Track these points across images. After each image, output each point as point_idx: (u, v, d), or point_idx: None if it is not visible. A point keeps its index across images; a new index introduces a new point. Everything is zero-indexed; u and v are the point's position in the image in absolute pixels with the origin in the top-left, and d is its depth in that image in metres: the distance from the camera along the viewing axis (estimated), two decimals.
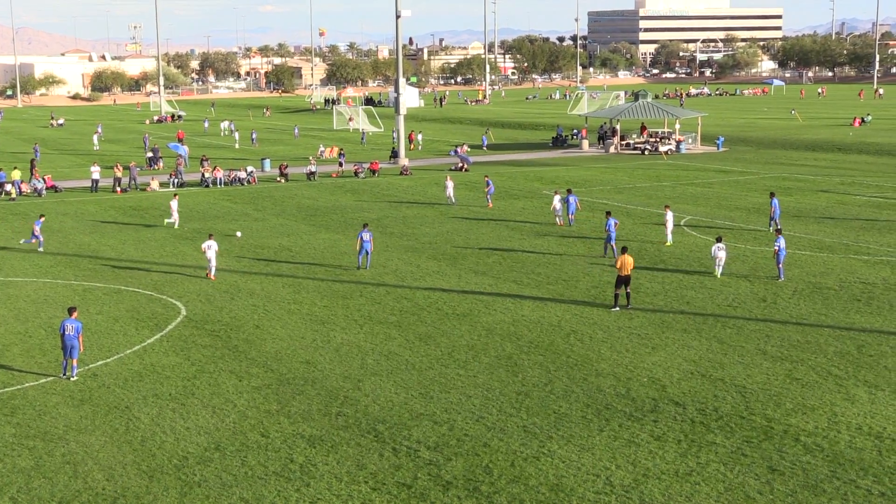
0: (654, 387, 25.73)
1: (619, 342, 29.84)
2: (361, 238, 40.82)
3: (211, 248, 39.76)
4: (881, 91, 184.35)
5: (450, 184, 59.32)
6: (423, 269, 40.93)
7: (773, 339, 29.90)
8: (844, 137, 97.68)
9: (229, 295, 36.83)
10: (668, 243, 44.70)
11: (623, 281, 33.58)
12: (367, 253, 40.94)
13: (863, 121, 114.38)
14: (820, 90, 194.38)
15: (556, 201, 51.27)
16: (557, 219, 51.16)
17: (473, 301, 35.27)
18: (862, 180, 66.94)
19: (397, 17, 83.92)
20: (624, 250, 34.25)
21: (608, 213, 42.81)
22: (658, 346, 29.42)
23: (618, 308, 33.57)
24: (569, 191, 52.11)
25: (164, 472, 20.91)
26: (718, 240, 38.49)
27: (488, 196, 57.88)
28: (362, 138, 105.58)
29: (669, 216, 45.27)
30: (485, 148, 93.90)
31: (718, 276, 38.06)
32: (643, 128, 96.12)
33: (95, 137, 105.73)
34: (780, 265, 37.66)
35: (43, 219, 48.09)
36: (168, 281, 39.34)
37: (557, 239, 46.77)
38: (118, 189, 67.64)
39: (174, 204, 52.72)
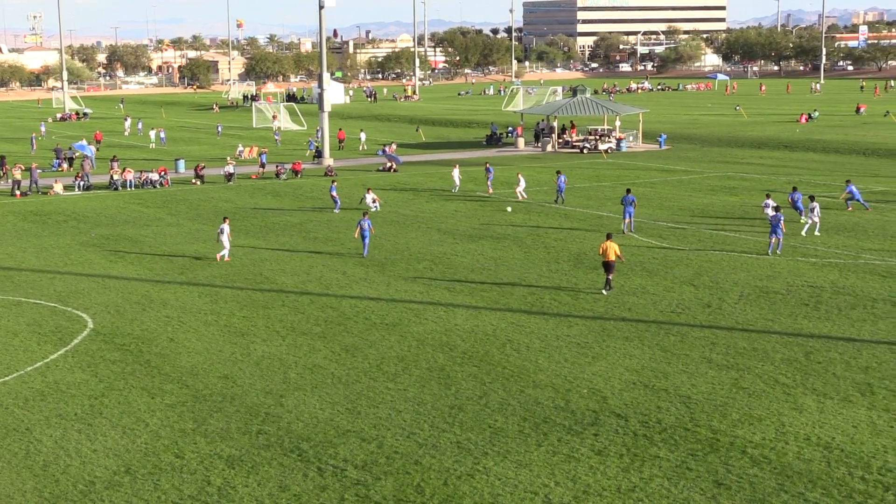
0: (595, 398, 25.93)
1: (558, 352, 30.03)
2: (361, 226, 44.16)
3: (223, 232, 43.31)
4: (817, 86, 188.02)
5: (456, 173, 64.86)
6: (349, 276, 40.83)
7: (719, 346, 30.30)
8: (791, 134, 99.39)
9: (140, 306, 36.40)
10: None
11: (606, 266, 36.85)
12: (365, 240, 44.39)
13: (810, 117, 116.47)
14: (759, 87, 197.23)
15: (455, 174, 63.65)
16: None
17: (403, 310, 35.26)
18: (809, 179, 68.11)
19: (321, 7, 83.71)
20: (608, 236, 37.21)
21: (558, 172, 59.58)
22: (598, 355, 29.65)
23: (605, 291, 37.00)
24: (558, 172, 60.65)
25: (68, 499, 20.59)
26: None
27: (489, 182, 63.19)
28: (276, 136, 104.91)
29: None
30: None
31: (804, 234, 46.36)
32: (573, 125, 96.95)
33: None
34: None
35: None
36: (73, 291, 38.78)
37: (492, 242, 46.95)
38: (17, 192, 66.53)
39: None
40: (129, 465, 22.21)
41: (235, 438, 23.63)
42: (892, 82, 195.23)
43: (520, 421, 24.43)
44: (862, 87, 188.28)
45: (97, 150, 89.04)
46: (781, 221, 42.88)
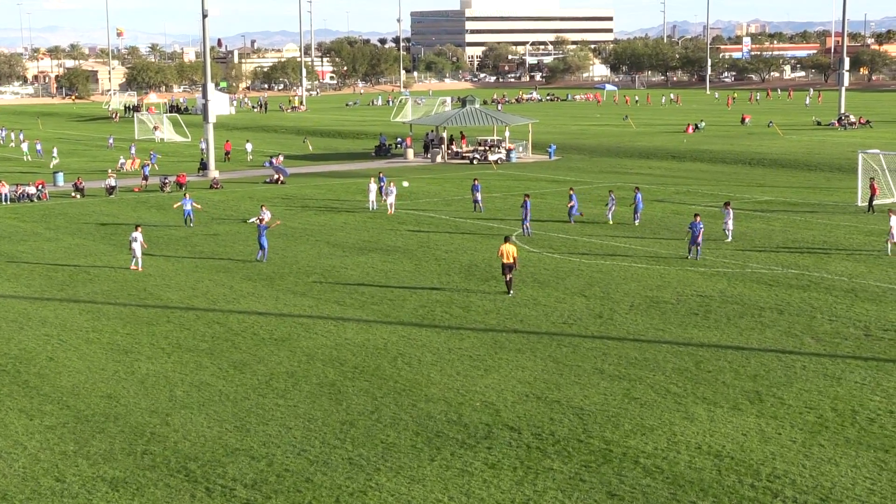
0: (488, 411, 26.05)
1: (450, 365, 30.11)
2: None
3: (136, 240, 43.98)
4: (673, 95, 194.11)
5: (373, 187, 62.04)
6: (236, 290, 40.40)
7: (611, 356, 30.71)
8: (678, 144, 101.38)
9: (17, 324, 35.50)
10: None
11: (506, 268, 38.42)
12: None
13: (696, 127, 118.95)
14: (622, 98, 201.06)
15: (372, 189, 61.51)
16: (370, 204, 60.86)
17: (292, 324, 35.02)
18: (697, 189, 69.55)
19: (204, 16, 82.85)
20: (506, 239, 39.13)
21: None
22: (491, 367, 29.81)
23: (510, 293, 38.55)
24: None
25: None
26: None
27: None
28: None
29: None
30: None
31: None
32: (462, 136, 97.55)
33: None
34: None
35: None
36: None
37: (382, 255, 46.92)
38: None
39: None
40: (6, 491, 21.62)
41: (119, 460, 23.17)
42: (758, 95, 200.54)
43: (412, 435, 24.42)
44: (717, 97, 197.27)
45: None
46: (700, 230, 44.86)
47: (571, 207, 55.73)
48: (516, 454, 23.21)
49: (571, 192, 56.96)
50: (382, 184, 63.24)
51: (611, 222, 54.52)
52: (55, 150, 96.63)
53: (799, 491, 21.09)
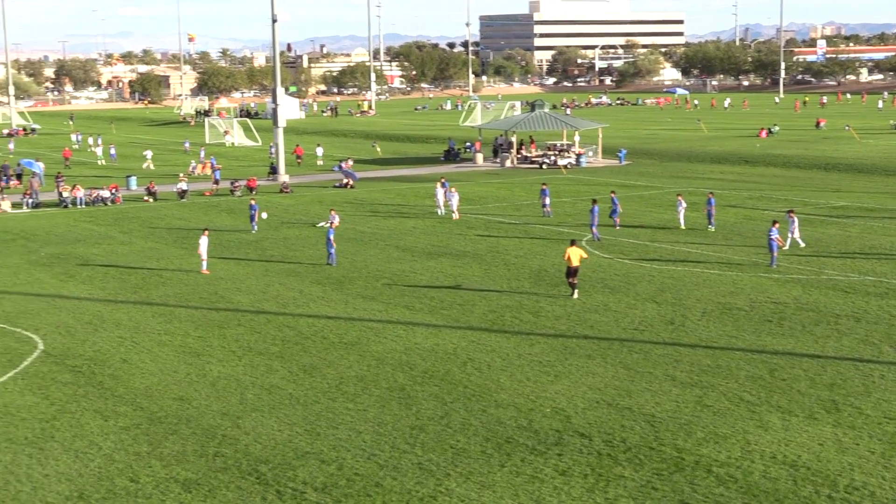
0: (558, 418, 25.98)
1: (520, 370, 30.07)
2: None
3: (203, 244, 44.55)
4: (728, 99, 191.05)
5: (440, 192, 61.70)
6: (306, 294, 40.70)
7: (683, 363, 30.47)
8: (752, 149, 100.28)
9: (92, 326, 36.09)
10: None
11: (570, 272, 38.91)
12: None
13: (770, 132, 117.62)
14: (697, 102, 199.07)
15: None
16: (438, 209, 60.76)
17: (362, 328, 35.19)
18: (770, 194, 68.78)
19: (273, 21, 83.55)
20: (572, 242, 39.56)
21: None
22: (561, 373, 29.72)
23: (573, 295, 38.97)
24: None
25: None
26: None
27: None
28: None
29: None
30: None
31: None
32: (531, 141, 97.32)
33: None
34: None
35: None
36: (23, 312, 38.38)
37: (451, 259, 47.00)
38: None
39: None
40: (83, 490, 21.98)
41: (192, 461, 23.45)
42: (825, 99, 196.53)
43: (482, 441, 24.42)
44: (777, 101, 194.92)
45: (68, 167, 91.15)
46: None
47: (613, 211, 55.32)
48: (587, 461, 23.11)
49: (613, 196, 56.61)
50: (444, 189, 62.99)
51: (683, 227, 54.11)
52: (148, 153, 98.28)
53: (878, 503, 20.77)
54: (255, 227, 55.89)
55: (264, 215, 59.01)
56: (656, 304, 37.96)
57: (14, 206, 67.99)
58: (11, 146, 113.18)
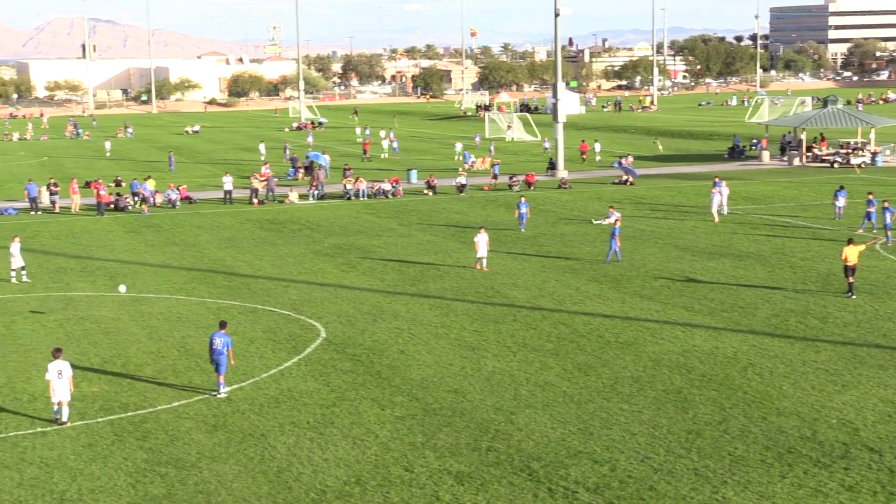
0: (845, 430, 25.00)
1: (804, 378, 29.11)
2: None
3: (482, 240, 44.58)
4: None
5: (716, 196, 59.15)
6: (582, 291, 40.76)
7: None
8: None
9: (372, 316, 37.37)
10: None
11: (848, 270, 38.48)
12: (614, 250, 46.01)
13: None
14: None
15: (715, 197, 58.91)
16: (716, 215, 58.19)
17: (639, 328, 34.94)
18: None
19: (556, 15, 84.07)
20: (849, 241, 39.02)
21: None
22: (849, 383, 28.58)
23: (851, 295, 38.56)
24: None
25: None
26: None
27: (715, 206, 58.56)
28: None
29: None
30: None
31: None
32: (822, 138, 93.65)
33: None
34: None
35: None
36: (307, 300, 40.18)
37: (733, 260, 45.97)
38: (255, 201, 69.48)
39: (15, 248, 44.59)
40: (360, 476, 22.81)
41: (465, 454, 23.92)
42: None
43: (762, 450, 23.79)
44: None
45: (366, 159, 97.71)
46: None
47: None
48: (877, 477, 22.13)
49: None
50: (718, 187, 60.87)
51: None
52: (459, 144, 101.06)
53: None
54: (524, 227, 55.34)
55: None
56: None
57: (301, 197, 71.22)
58: (310, 139, 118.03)
